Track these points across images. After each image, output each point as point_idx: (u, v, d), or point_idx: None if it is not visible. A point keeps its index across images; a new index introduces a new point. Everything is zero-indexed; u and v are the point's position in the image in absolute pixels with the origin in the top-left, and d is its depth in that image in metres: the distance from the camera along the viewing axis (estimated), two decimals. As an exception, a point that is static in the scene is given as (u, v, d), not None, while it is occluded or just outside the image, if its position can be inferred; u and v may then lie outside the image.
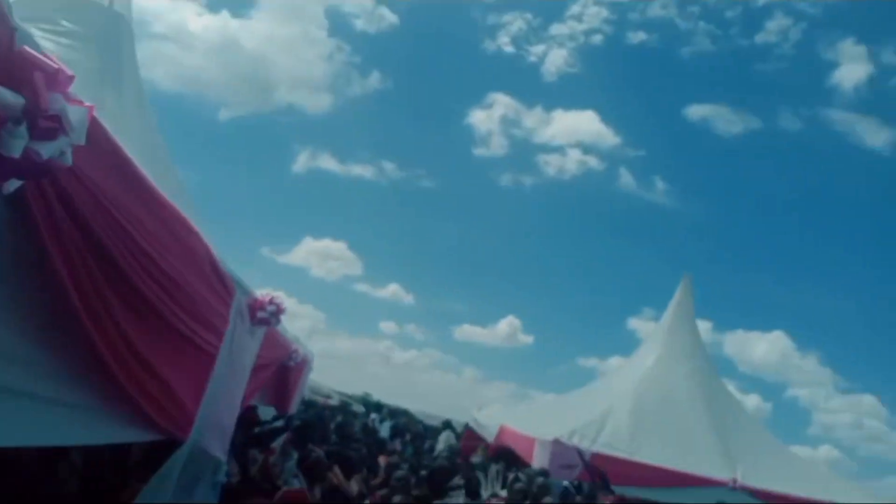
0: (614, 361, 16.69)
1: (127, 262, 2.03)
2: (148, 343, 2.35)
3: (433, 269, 50.40)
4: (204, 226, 3.10)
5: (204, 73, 44.03)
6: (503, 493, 4.18)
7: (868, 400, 36.72)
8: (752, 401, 28.78)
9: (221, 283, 2.84)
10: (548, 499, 6.59)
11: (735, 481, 10.43)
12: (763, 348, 38.04)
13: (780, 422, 40.43)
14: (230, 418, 3.72)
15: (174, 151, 4.32)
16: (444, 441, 13.00)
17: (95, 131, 1.74)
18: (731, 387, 16.01)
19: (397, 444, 12.41)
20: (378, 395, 27.44)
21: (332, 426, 10.69)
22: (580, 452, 7.72)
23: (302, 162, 45.35)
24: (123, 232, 1.96)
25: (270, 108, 46.75)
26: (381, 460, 8.81)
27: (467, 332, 46.45)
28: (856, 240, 40.40)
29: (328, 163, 45.98)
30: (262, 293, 3.33)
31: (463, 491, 4.82)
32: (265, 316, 3.30)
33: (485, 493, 4.15)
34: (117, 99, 2.93)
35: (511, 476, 7.74)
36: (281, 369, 5.86)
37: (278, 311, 3.38)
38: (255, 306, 3.26)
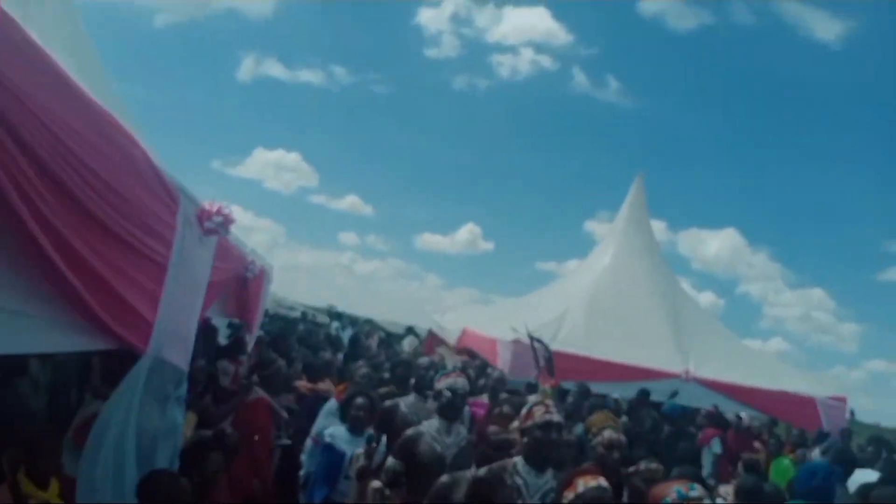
0: (572, 265, 17.09)
1: (65, 173, 2.00)
2: (96, 254, 2.36)
3: (390, 178, 49.95)
4: (146, 139, 3.03)
5: (136, -23, 41.53)
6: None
7: (817, 293, 38.47)
8: (706, 298, 29.94)
9: (165, 192, 2.82)
10: (504, 394, 6.88)
11: (687, 373, 11.01)
12: (716, 246, 39.22)
13: (732, 317, 42.38)
14: (189, 329, 3.76)
15: (107, 62, 4.16)
16: (407, 345, 13.35)
17: (15, 36, 1.69)
18: (685, 284, 16.65)
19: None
20: (343, 307, 27.74)
21: (296, 336, 10.90)
22: (535, 350, 8.02)
23: (246, 69, 43.79)
24: (56, 140, 1.93)
25: (209, 12, 44.62)
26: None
27: (428, 240, 46.82)
28: (806, 135, 41.19)
29: (274, 69, 44.54)
30: (209, 202, 3.31)
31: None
32: (213, 226, 3.29)
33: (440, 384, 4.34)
34: (39, 4, 2.80)
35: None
36: (239, 282, 5.90)
37: (227, 221, 3.36)
38: (202, 216, 3.24)
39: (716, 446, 8.13)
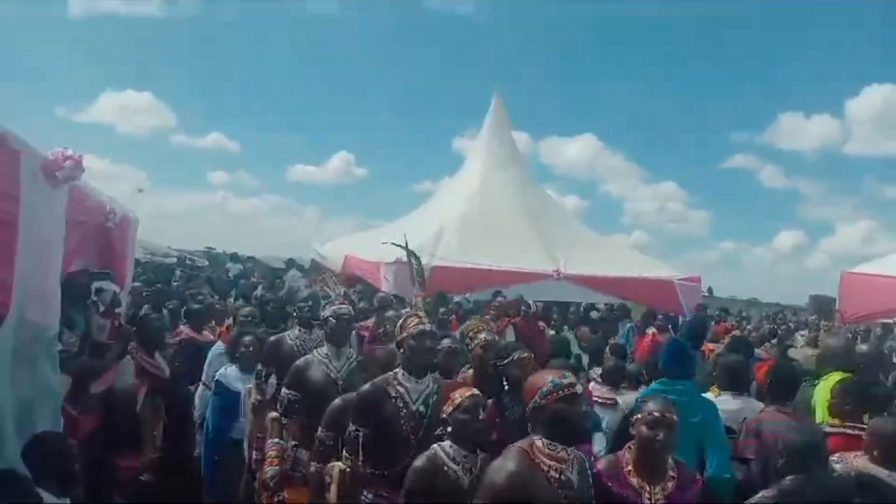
0: (445, 182, 17.43)
1: None
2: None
3: (252, 111, 48.23)
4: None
5: None
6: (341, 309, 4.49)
7: (669, 186, 41.69)
8: (571, 201, 31.61)
9: (3, 147, 2.74)
10: (391, 311, 7.15)
11: (559, 272, 11.73)
12: (575, 151, 41.32)
13: (597, 216, 45.03)
14: (51, 286, 3.68)
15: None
16: (291, 280, 13.31)
17: None
18: (550, 190, 17.43)
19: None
20: (222, 248, 27.00)
21: (175, 283, 10.67)
22: (411, 264, 8.36)
23: (78, 5, 40.39)
24: None
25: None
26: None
27: (301, 172, 46.05)
28: (647, 40, 43.35)
29: (111, 3, 41.32)
30: (52, 151, 3.21)
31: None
32: (65, 174, 3.21)
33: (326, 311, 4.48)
34: None
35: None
36: (102, 232, 5.71)
37: (76, 166, 3.28)
38: (49, 166, 3.15)
39: (510, 335, 8.61)
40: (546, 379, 2.65)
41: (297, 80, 47.28)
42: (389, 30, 46.51)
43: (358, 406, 3.47)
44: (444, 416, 3.03)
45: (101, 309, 6.68)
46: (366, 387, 3.52)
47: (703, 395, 4.42)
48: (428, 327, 3.55)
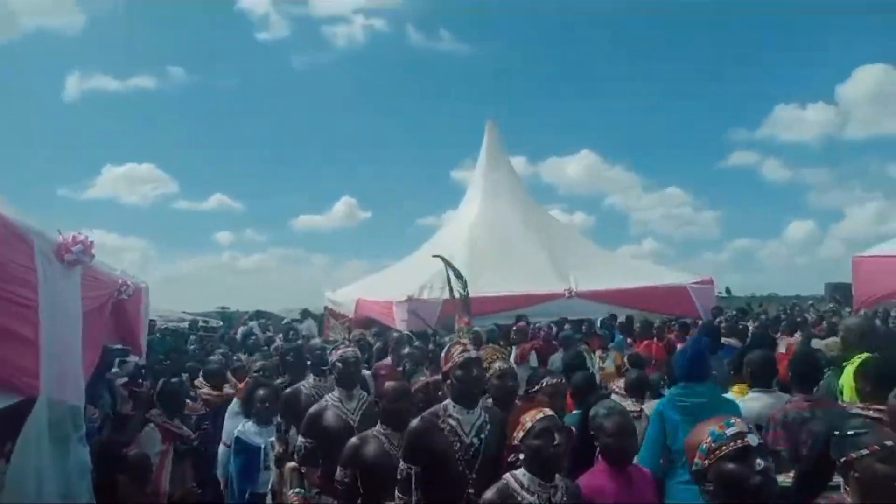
0: (449, 215, 17.62)
1: None
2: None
3: (252, 170, 48.98)
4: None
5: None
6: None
7: (672, 192, 41.81)
8: (577, 218, 31.77)
9: (17, 237, 2.85)
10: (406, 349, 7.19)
11: (570, 291, 11.76)
12: (575, 168, 41.64)
13: (605, 230, 45.05)
14: (74, 364, 3.75)
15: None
16: (306, 329, 13.39)
17: None
18: (556, 210, 17.62)
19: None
20: (236, 306, 27.22)
21: (191, 347, 10.75)
22: (451, 285, 8.40)
23: (72, 87, 41.47)
24: None
25: (16, 36, 41.08)
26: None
27: (306, 222, 46.41)
28: (630, 49, 43.91)
29: (103, 82, 42.34)
30: (63, 235, 3.32)
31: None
32: (74, 258, 3.32)
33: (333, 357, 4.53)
34: None
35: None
36: (117, 306, 5.81)
37: (86, 249, 3.39)
38: (60, 250, 3.27)
39: (533, 360, 8.28)
40: (706, 432, 2.05)
41: (292, 132, 48.16)
42: (377, 72, 47.48)
43: (409, 442, 3.25)
44: (516, 442, 2.78)
45: (125, 380, 6.81)
46: (415, 422, 3.30)
47: (724, 395, 4.42)
48: (474, 355, 3.35)
